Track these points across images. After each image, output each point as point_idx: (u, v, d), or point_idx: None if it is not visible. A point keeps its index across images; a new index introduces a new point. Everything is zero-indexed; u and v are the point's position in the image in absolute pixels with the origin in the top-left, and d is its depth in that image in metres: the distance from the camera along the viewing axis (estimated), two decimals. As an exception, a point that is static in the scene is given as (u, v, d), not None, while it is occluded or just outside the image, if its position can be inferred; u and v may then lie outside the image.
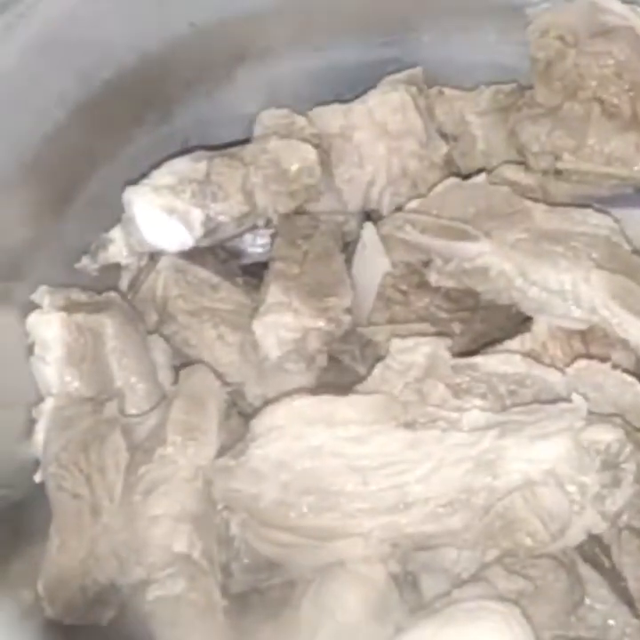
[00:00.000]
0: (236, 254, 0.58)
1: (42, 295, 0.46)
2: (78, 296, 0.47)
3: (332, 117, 0.57)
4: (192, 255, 0.53)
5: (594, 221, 0.47)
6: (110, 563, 0.37)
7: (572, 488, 0.39)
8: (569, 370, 0.46)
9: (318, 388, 0.49)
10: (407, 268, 0.53)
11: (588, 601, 0.45)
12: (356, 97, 0.58)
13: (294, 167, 0.51)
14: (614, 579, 0.46)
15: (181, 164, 0.48)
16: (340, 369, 0.54)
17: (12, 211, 0.45)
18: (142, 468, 0.39)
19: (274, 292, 0.48)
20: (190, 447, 0.39)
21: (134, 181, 0.51)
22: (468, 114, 0.58)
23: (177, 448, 0.39)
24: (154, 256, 0.53)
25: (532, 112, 0.54)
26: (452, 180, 0.52)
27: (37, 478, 0.43)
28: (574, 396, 0.43)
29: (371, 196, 0.57)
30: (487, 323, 0.52)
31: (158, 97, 0.53)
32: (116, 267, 0.54)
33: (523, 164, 0.55)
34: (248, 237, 0.58)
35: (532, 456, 0.40)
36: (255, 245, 0.58)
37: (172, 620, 0.35)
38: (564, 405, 0.42)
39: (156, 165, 0.51)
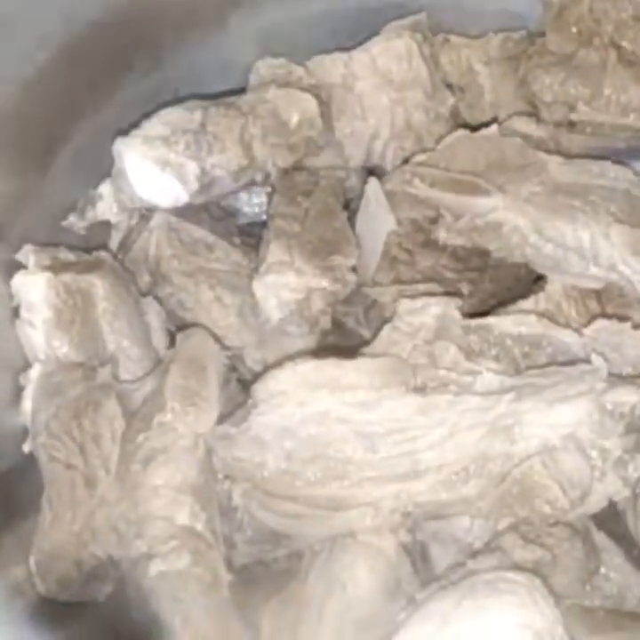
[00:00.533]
0: (232, 213, 0.55)
1: (26, 254, 0.43)
2: (66, 255, 0.44)
3: (332, 66, 0.54)
4: (186, 213, 0.50)
5: (612, 174, 0.45)
6: (108, 536, 0.34)
7: (593, 453, 0.38)
8: (586, 330, 0.43)
9: (321, 352, 0.47)
10: (413, 225, 0.50)
11: (603, 569, 0.44)
12: (357, 45, 0.55)
13: (294, 118, 0.48)
14: (629, 546, 0.45)
15: (174, 114, 0.45)
16: (343, 332, 0.51)
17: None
18: (140, 435, 0.36)
19: (274, 251, 0.45)
20: (190, 414, 0.37)
21: (124, 132, 0.48)
22: (475, 63, 0.54)
23: (176, 415, 0.37)
24: (146, 213, 0.50)
25: (543, 60, 0.52)
26: (462, 132, 0.49)
27: (26, 448, 0.41)
28: (594, 358, 0.41)
29: (373, 150, 0.54)
30: (496, 282, 0.50)
31: (148, 41, 0.49)
32: (105, 225, 0.51)
33: (534, 115, 0.53)
34: (243, 195, 0.55)
35: (552, 420, 0.38)
36: (251, 204, 0.55)
37: (175, 595, 0.33)
38: (583, 367, 0.40)
39: (147, 115, 0.47)
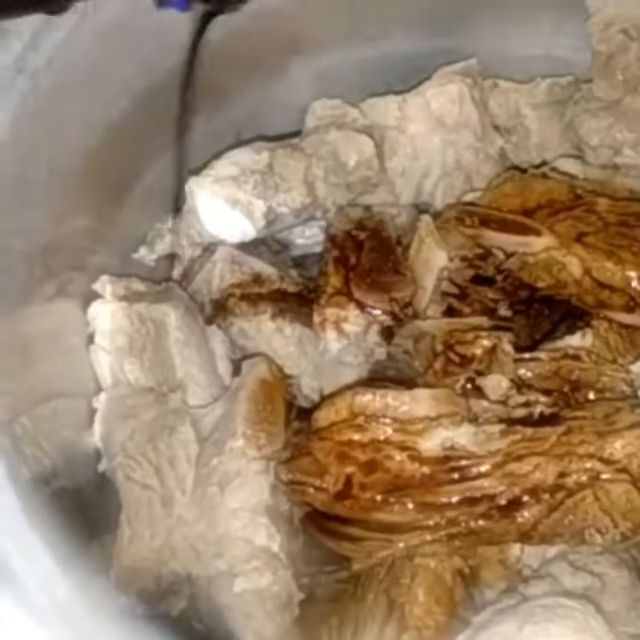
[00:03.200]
0: (286, 245, 0.58)
1: (103, 284, 0.46)
2: (138, 286, 0.47)
3: (386, 109, 0.56)
4: (246, 246, 0.53)
5: (659, 216, 0.47)
6: (187, 554, 0.36)
7: (644, 485, 0.39)
8: (633, 367, 0.45)
9: (375, 382, 0.49)
10: (463, 261, 0.53)
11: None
12: (407, 88, 0.58)
13: (353, 159, 0.51)
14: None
15: (243, 155, 0.48)
16: (393, 362, 0.54)
17: (74, 201, 0.44)
18: (214, 459, 0.39)
19: (334, 283, 0.47)
20: (261, 439, 0.39)
21: (191, 171, 0.51)
22: (523, 106, 0.57)
23: (248, 440, 0.39)
24: (208, 247, 0.53)
25: (590, 106, 0.54)
26: (512, 173, 0.52)
27: (101, 468, 0.43)
28: (642, 393, 0.43)
29: (424, 189, 0.56)
30: (543, 315, 0.52)
31: (214, 86, 0.52)
32: (169, 257, 0.54)
33: (579, 157, 0.55)
34: (297, 229, 0.57)
35: (603, 453, 0.40)
36: (305, 237, 0.57)
37: (251, 612, 0.35)
38: (633, 402, 0.42)
39: (214, 156, 0.50)
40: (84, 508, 0.39)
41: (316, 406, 0.46)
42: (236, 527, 0.37)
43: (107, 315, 0.45)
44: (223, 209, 0.46)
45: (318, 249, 0.56)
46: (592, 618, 0.34)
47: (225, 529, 0.37)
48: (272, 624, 0.36)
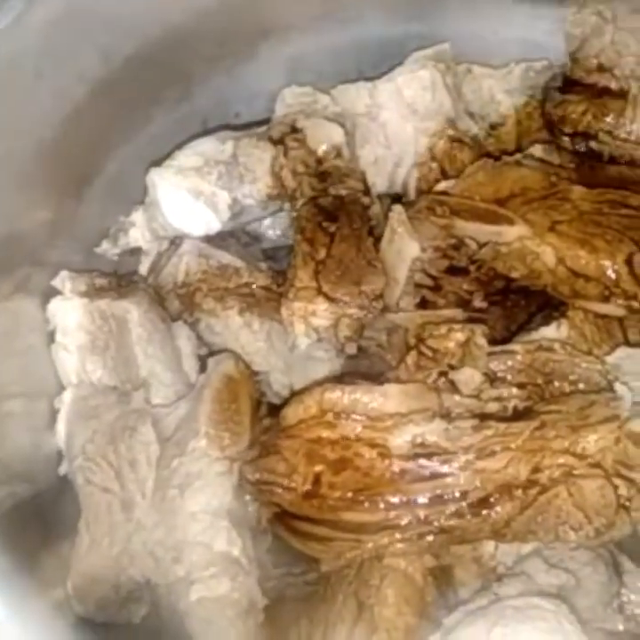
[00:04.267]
0: (256, 237, 0.57)
1: (63, 280, 0.44)
2: (99, 281, 0.46)
3: (357, 96, 0.55)
4: (213, 239, 0.52)
5: (635, 203, 0.46)
6: (145, 560, 0.35)
7: (617, 481, 0.39)
8: (609, 358, 0.44)
9: (346, 377, 0.48)
10: (436, 252, 0.51)
11: (624, 592, 0.44)
12: (381, 74, 0.56)
13: (322, 148, 0.49)
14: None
15: (207, 145, 0.46)
16: (366, 356, 0.53)
17: (31, 194, 0.43)
18: (175, 460, 0.37)
19: (302, 277, 0.46)
20: (225, 439, 0.38)
21: (154, 162, 0.49)
22: (497, 92, 0.55)
23: (211, 440, 0.38)
24: (175, 240, 0.51)
25: (565, 90, 0.53)
26: (485, 161, 0.50)
27: (62, 470, 0.42)
28: (617, 386, 0.42)
29: (397, 178, 0.55)
30: (519, 306, 0.51)
31: (178, 74, 0.51)
32: (135, 251, 0.52)
33: (554, 144, 0.54)
34: (267, 221, 0.56)
35: (577, 448, 0.39)
36: (275, 229, 0.56)
37: (211, 619, 0.34)
38: (607, 395, 0.41)
39: (178, 146, 0.49)
40: (41, 514, 0.38)
41: (283, 404, 0.45)
42: (194, 531, 0.35)
43: (67, 312, 0.43)
44: (186, 201, 0.45)
45: (290, 241, 0.55)
46: (564, 618, 0.33)
47: (184, 534, 0.35)
48: (234, 630, 0.34)
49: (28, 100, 0.39)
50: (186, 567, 0.34)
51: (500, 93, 0.55)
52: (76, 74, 0.42)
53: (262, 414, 0.45)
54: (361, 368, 0.50)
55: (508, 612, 0.33)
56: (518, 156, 0.50)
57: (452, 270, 0.51)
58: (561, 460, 0.39)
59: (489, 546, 0.42)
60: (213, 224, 0.46)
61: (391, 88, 0.53)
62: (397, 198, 0.55)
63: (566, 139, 0.51)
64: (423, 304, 0.51)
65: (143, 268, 0.52)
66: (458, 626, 0.33)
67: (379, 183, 0.55)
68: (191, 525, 0.36)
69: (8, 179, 0.40)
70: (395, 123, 0.53)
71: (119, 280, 0.47)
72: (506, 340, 0.48)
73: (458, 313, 0.49)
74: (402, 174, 0.55)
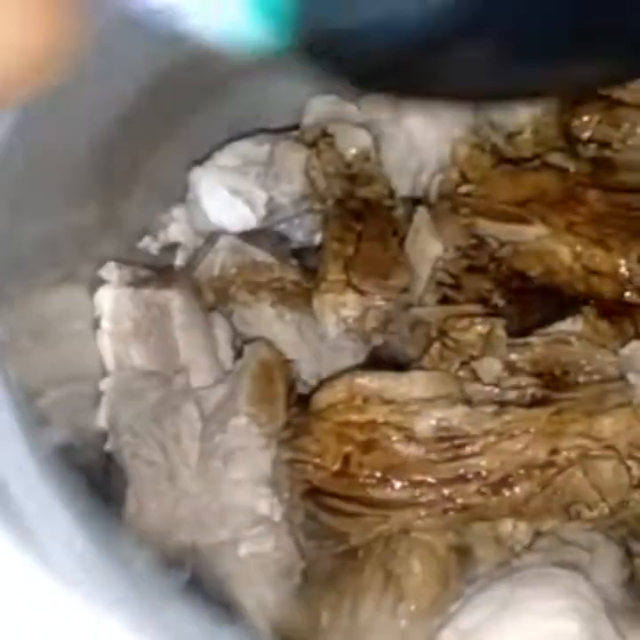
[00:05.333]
0: (285, 237, 0.60)
1: (110, 271, 0.47)
2: (143, 273, 0.49)
3: (382, 104, 0.58)
4: (247, 236, 0.55)
5: (646, 205, 0.49)
6: (192, 525, 0.38)
7: (631, 462, 0.41)
8: (622, 351, 0.47)
9: (371, 367, 0.50)
10: (458, 251, 0.54)
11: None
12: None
13: (351, 152, 0.52)
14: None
15: (245, 147, 0.49)
16: (390, 349, 0.55)
17: (83, 190, 0.46)
18: (217, 436, 0.40)
19: (333, 271, 0.49)
20: (263, 417, 0.41)
21: (194, 163, 0.52)
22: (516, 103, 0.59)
23: (250, 417, 0.40)
24: (211, 237, 0.54)
25: (580, 101, 0.56)
26: (504, 166, 0.53)
27: (108, 447, 0.45)
28: (629, 375, 0.44)
29: (419, 183, 0.58)
30: (537, 305, 0.53)
31: (217, 82, 0.54)
32: (173, 247, 0.55)
33: (570, 151, 0.57)
34: (295, 222, 0.59)
35: (592, 431, 0.42)
36: (302, 230, 0.59)
37: (253, 579, 0.37)
38: (621, 383, 0.43)
39: (217, 147, 0.52)
40: (92, 487, 0.41)
41: (315, 389, 0.47)
42: (238, 497, 0.38)
43: (113, 300, 0.46)
44: (225, 198, 0.48)
45: (317, 242, 0.58)
46: (581, 584, 0.35)
47: (228, 499, 0.38)
48: (273, 591, 0.37)
49: (87, 102, 0.42)
50: (231, 529, 0.37)
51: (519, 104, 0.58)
52: (128, 80, 0.45)
53: (293, 402, 0.48)
54: (385, 359, 0.53)
55: (529, 576, 0.35)
56: (536, 162, 0.53)
57: (472, 269, 0.54)
58: (577, 443, 0.41)
59: (507, 525, 0.45)
60: (250, 221, 0.49)
61: (416, 97, 0.56)
62: (419, 201, 0.58)
63: (582, 146, 0.54)
64: (444, 301, 0.54)
65: (179, 262, 0.55)
66: (481, 590, 0.36)
67: (402, 187, 0.58)
68: (235, 491, 0.38)
69: (66, 175, 0.43)
70: (418, 130, 0.57)
71: (160, 272, 0.51)
72: (523, 335, 0.51)
73: (478, 308, 0.52)
74: (424, 179, 0.58)
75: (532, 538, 0.45)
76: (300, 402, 0.48)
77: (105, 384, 0.47)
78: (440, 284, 0.54)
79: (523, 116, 0.60)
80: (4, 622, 0.23)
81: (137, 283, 0.47)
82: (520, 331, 0.52)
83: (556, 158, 0.56)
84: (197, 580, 0.39)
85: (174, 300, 0.47)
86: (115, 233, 0.51)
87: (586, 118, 0.54)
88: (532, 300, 0.54)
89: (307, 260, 0.59)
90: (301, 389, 0.52)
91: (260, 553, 0.36)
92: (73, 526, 0.26)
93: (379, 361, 0.53)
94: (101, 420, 0.47)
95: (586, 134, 0.54)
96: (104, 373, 0.48)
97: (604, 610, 0.35)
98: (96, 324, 0.48)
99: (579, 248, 0.48)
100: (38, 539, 0.24)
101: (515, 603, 0.33)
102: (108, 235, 0.50)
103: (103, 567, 0.25)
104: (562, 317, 0.51)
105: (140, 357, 0.46)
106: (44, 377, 0.43)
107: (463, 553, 0.45)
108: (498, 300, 0.53)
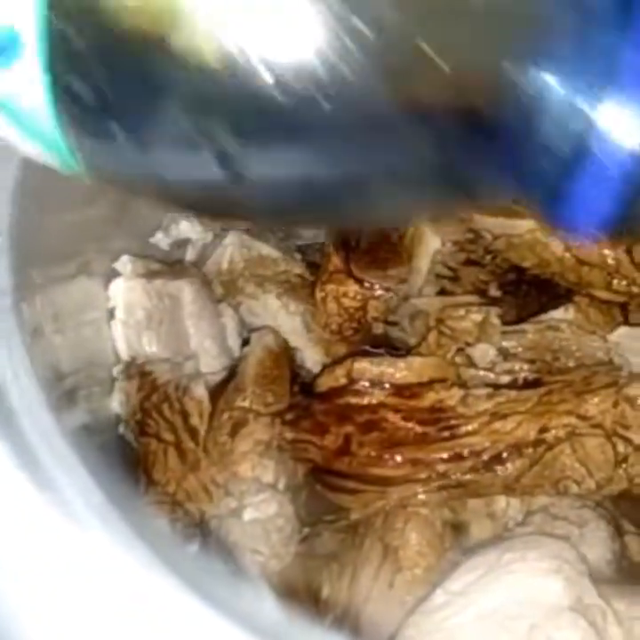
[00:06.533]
0: (290, 235, 0.62)
1: (124, 264, 0.50)
2: (155, 266, 0.51)
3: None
4: (254, 233, 0.58)
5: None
6: (200, 496, 0.40)
7: (616, 440, 0.43)
8: (610, 337, 0.49)
9: (372, 352, 0.53)
10: (455, 245, 0.57)
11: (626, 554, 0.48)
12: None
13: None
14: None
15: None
16: (389, 339, 0.58)
17: (99, 187, 0.48)
18: (225, 414, 0.43)
19: (335, 262, 0.51)
20: (268, 397, 0.43)
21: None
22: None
23: (256, 397, 0.43)
24: (220, 232, 0.57)
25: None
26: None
27: (120, 430, 0.47)
28: (616, 358, 0.46)
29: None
30: (531, 296, 0.56)
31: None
32: (182, 242, 0.58)
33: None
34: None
35: (580, 410, 0.44)
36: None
37: (256, 548, 0.39)
38: (608, 366, 0.45)
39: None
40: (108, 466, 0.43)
41: (317, 376, 0.50)
42: (245, 468, 0.41)
43: (127, 291, 0.49)
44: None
45: (320, 239, 0.60)
46: (566, 550, 0.37)
47: (235, 470, 0.40)
48: (276, 559, 0.39)
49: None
50: (237, 498, 0.39)
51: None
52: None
53: (296, 390, 0.50)
54: (385, 347, 0.55)
55: (516, 543, 0.38)
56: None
57: (469, 262, 0.57)
58: (565, 421, 0.44)
59: (501, 502, 0.47)
60: (257, 216, 0.52)
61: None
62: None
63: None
64: (443, 293, 0.56)
65: (189, 257, 0.58)
66: (472, 557, 0.38)
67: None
68: (242, 463, 0.40)
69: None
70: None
71: (171, 265, 0.53)
72: (519, 322, 0.53)
73: (474, 299, 0.54)
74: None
75: (525, 515, 0.47)
76: (303, 388, 0.51)
77: (118, 370, 0.50)
78: (439, 276, 0.57)
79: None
80: (20, 558, 0.26)
81: (149, 275, 0.49)
82: (516, 320, 0.55)
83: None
84: (205, 550, 0.41)
85: (185, 290, 0.49)
86: (128, 229, 0.53)
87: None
88: (528, 292, 0.56)
89: (311, 256, 0.62)
90: (305, 378, 0.55)
91: (262, 519, 0.38)
92: (92, 485, 0.29)
93: (378, 349, 0.55)
94: (115, 405, 0.50)
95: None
96: (118, 360, 0.51)
97: (589, 577, 0.37)
98: (111, 314, 0.51)
99: (569, 240, 0.50)
100: (57, 485, 0.27)
101: (502, 566, 0.35)
102: (122, 230, 0.53)
103: (118, 520, 0.27)
104: (554, 306, 0.54)
105: (152, 345, 0.49)
106: (64, 363, 0.46)
107: (458, 529, 0.47)
108: (494, 292, 0.55)
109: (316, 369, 0.55)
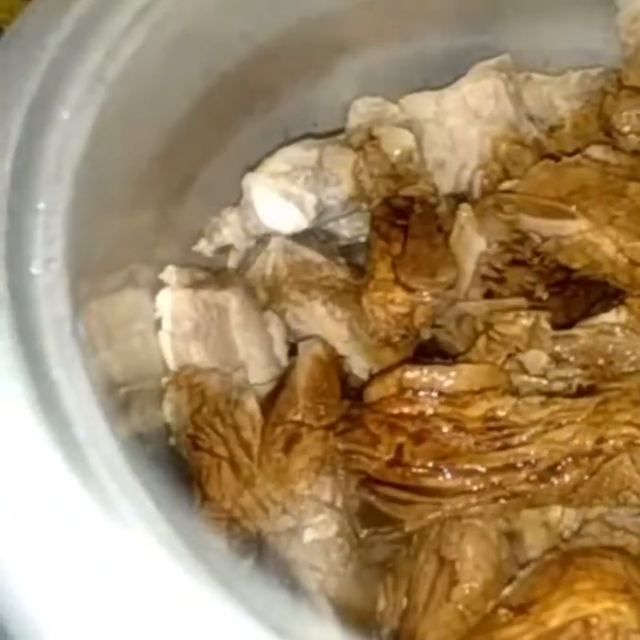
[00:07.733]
0: (333, 236, 0.62)
1: (170, 274, 0.50)
2: (200, 275, 0.51)
3: (424, 104, 0.60)
4: (297, 237, 0.57)
5: (689, 199, 0.50)
6: (257, 512, 0.40)
7: (677, 450, 0.42)
8: (666, 340, 0.48)
9: (421, 359, 0.52)
10: (501, 246, 0.56)
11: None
12: (443, 84, 0.61)
13: (396, 152, 0.54)
14: None
15: (294, 152, 0.51)
16: (436, 344, 0.57)
17: (143, 197, 0.48)
18: (278, 429, 0.43)
19: (381, 269, 0.51)
20: (320, 411, 0.43)
21: (245, 168, 0.55)
22: (556, 98, 0.60)
23: (308, 411, 0.43)
24: (262, 238, 0.56)
25: (620, 94, 0.57)
26: (546, 162, 0.54)
27: (172, 441, 0.47)
28: (674, 364, 0.45)
29: (462, 179, 0.59)
30: (578, 296, 0.55)
31: (264, 88, 0.56)
32: (225, 249, 0.58)
33: (611, 145, 0.58)
34: (342, 221, 0.61)
35: (638, 419, 0.43)
36: (350, 228, 0.61)
37: (315, 564, 0.39)
38: (665, 372, 0.45)
39: (267, 153, 0.54)
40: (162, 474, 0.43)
41: (365, 384, 0.49)
42: (302, 486, 0.40)
43: (174, 302, 0.49)
44: (277, 202, 0.50)
45: (363, 239, 0.60)
46: (631, 564, 0.36)
47: (291, 488, 0.40)
48: (335, 576, 0.39)
49: (148, 116, 0.45)
50: (296, 517, 0.39)
51: (559, 99, 0.59)
52: (183, 91, 0.48)
53: (346, 395, 0.50)
54: (433, 353, 0.55)
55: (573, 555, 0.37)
56: (577, 156, 0.54)
57: (516, 263, 0.56)
58: (624, 431, 0.43)
59: (556, 511, 0.46)
60: (301, 223, 0.51)
61: (457, 96, 0.58)
62: (462, 198, 0.59)
63: (622, 139, 0.55)
64: (489, 295, 0.55)
65: (232, 264, 0.57)
66: (531, 572, 0.38)
67: (445, 184, 0.59)
68: (299, 481, 0.40)
69: (127, 183, 0.45)
70: (460, 128, 0.58)
71: (216, 274, 0.53)
72: (566, 327, 0.52)
73: (522, 302, 0.53)
74: (466, 175, 0.59)
75: (581, 524, 0.46)
76: (353, 396, 0.51)
77: (167, 381, 0.50)
78: (485, 278, 0.56)
79: (563, 111, 0.61)
80: (71, 564, 0.26)
81: (195, 285, 0.49)
82: (564, 323, 0.54)
83: (596, 152, 0.57)
84: (262, 567, 0.41)
85: (231, 300, 0.49)
86: (171, 237, 0.53)
87: (626, 112, 0.55)
88: (576, 293, 0.55)
89: (354, 257, 0.61)
90: (353, 384, 0.54)
91: (323, 539, 0.38)
92: (142, 492, 0.29)
93: (427, 355, 0.55)
94: (166, 415, 0.50)
95: (626, 128, 0.54)
96: (166, 371, 0.51)
97: None
98: (158, 324, 0.51)
99: (621, 241, 0.49)
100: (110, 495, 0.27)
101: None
102: (165, 239, 0.53)
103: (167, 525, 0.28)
104: (605, 309, 0.53)
105: (200, 356, 0.49)
106: (114, 375, 0.46)
107: (513, 538, 0.47)
108: (541, 293, 0.54)
109: (363, 375, 0.54)
